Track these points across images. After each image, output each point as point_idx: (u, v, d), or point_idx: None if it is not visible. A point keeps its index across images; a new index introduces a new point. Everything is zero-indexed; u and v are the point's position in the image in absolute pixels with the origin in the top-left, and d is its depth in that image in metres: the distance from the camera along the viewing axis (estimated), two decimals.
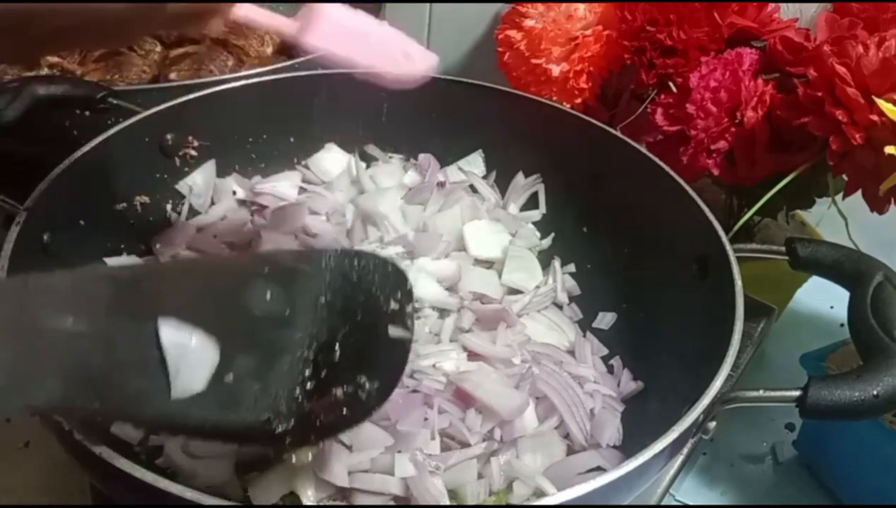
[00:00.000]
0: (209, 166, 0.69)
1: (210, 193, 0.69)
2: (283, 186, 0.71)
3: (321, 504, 0.47)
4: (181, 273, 0.42)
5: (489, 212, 0.70)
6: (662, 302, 0.61)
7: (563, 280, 0.67)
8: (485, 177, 0.74)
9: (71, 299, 0.35)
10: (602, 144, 0.66)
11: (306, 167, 0.73)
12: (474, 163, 0.75)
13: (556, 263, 0.68)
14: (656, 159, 0.62)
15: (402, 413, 0.50)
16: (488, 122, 0.72)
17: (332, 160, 0.73)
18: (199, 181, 0.68)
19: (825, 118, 0.58)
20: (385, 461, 0.48)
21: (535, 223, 0.72)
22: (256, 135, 0.71)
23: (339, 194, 0.71)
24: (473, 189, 0.73)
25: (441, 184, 0.71)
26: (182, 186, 0.67)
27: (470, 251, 0.67)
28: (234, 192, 0.70)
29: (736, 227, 0.65)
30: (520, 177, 0.73)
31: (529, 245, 0.69)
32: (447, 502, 0.47)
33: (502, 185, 0.74)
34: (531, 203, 0.73)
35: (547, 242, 0.71)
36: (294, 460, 0.46)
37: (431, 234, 0.67)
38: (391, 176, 0.73)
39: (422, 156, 0.74)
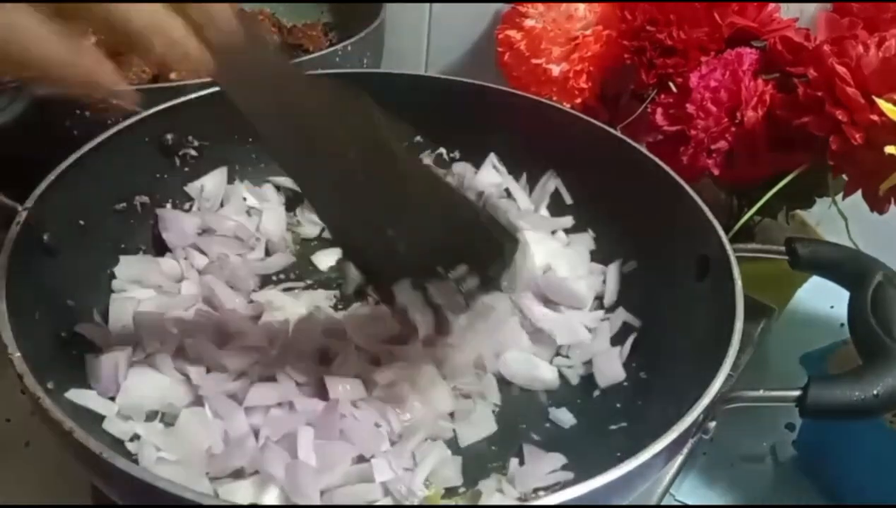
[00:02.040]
0: (220, 173, 0.69)
1: (220, 199, 0.69)
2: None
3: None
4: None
5: (525, 218, 0.68)
6: (662, 302, 0.61)
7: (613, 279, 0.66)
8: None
9: None
10: (602, 144, 0.66)
11: None
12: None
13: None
14: (656, 159, 0.62)
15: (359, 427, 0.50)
16: (487, 123, 0.72)
17: None
18: (209, 186, 0.68)
19: (825, 118, 0.58)
20: (357, 471, 0.48)
21: None
22: (257, 134, 0.70)
23: None
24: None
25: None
26: (192, 189, 0.67)
27: None
28: (245, 199, 0.70)
29: (736, 227, 0.64)
30: (549, 178, 0.71)
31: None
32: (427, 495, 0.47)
33: None
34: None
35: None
36: None
37: None
38: None
39: (457, 166, 0.73)
